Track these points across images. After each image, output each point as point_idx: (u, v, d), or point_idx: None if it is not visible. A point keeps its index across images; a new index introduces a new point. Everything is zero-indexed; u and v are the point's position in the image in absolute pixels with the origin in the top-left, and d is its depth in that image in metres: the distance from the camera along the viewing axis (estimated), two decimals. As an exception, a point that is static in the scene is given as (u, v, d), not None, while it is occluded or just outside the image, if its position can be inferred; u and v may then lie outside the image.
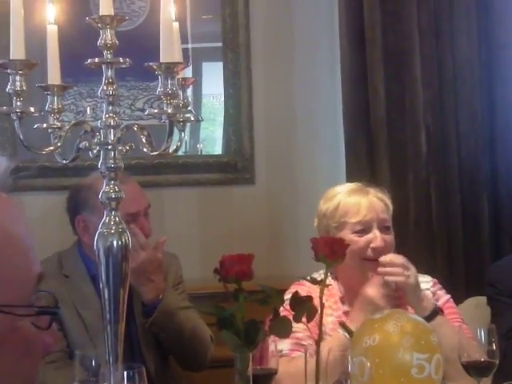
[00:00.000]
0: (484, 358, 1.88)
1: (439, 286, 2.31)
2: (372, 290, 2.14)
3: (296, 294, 1.72)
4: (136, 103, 3.09)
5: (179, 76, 1.67)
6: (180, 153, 3.17)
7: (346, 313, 2.20)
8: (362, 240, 2.21)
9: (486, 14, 3.15)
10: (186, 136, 3.19)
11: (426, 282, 2.29)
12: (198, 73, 3.27)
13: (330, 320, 2.19)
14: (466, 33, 3.12)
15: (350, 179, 3.04)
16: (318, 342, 1.73)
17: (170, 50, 1.52)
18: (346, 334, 2.04)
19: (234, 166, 3.18)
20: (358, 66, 3.07)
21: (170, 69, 1.53)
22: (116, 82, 1.66)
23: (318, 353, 1.72)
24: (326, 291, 2.19)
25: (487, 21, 3.15)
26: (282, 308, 1.73)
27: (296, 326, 2.07)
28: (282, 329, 1.68)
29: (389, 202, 2.28)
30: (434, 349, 1.79)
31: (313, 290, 2.20)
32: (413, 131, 3.09)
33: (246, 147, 3.19)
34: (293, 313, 1.71)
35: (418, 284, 2.16)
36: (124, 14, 3.02)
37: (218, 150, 3.26)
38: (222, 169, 3.17)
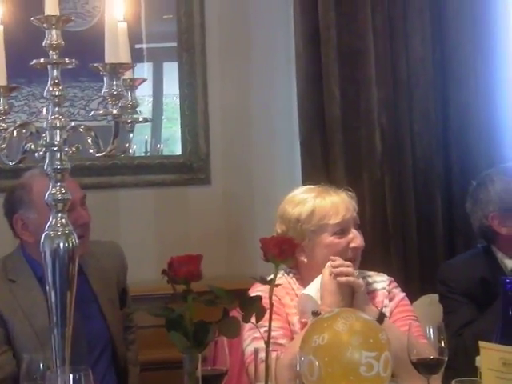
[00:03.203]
0: (433, 356, 1.90)
1: (395, 284, 2.35)
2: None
3: (245, 294, 1.72)
4: (90, 104, 3.07)
5: (126, 77, 1.66)
6: (140, 153, 3.17)
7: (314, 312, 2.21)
8: (343, 241, 2.24)
9: (439, 14, 3.19)
10: (147, 136, 3.19)
11: (383, 281, 2.33)
12: (158, 72, 3.26)
13: (295, 319, 2.21)
14: (420, 33, 3.16)
15: (305, 178, 3.07)
16: (267, 343, 1.72)
17: (114, 50, 1.52)
18: None
19: (190, 167, 3.17)
20: (313, 65, 3.09)
21: (115, 69, 1.52)
22: (61, 83, 1.64)
23: (267, 353, 1.72)
24: (290, 291, 2.22)
25: (441, 21, 3.19)
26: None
27: (272, 325, 2.10)
28: (231, 329, 1.68)
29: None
30: (382, 347, 1.81)
31: (278, 289, 2.20)
32: (367, 131, 3.12)
33: (201, 147, 3.19)
34: (242, 313, 1.71)
35: (364, 286, 2.19)
36: (77, 15, 3.04)
37: (180, 149, 3.24)
38: (177, 169, 3.17)
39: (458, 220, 3.16)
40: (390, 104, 3.14)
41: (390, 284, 2.33)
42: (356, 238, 2.25)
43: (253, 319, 1.70)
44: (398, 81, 3.16)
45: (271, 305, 1.73)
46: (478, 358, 1.76)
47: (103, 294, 2.41)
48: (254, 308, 1.70)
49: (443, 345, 1.90)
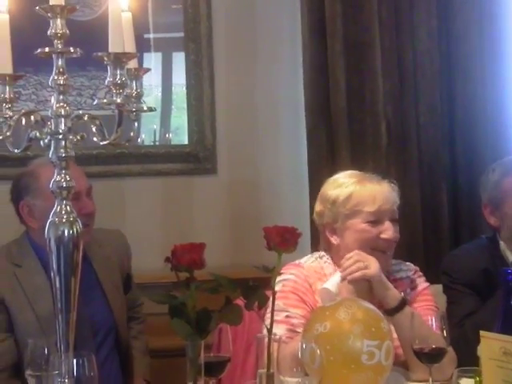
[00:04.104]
0: (435, 345, 1.91)
1: (420, 273, 2.38)
2: None
3: (247, 282, 1.74)
4: (98, 93, 3.09)
5: (131, 66, 1.67)
6: (149, 142, 3.19)
7: None
8: (375, 230, 2.23)
9: (445, 6, 3.18)
10: (156, 125, 3.20)
11: (408, 270, 2.35)
12: (168, 62, 3.27)
13: None
14: (426, 25, 3.16)
15: (311, 169, 3.09)
16: (269, 330, 1.74)
17: (118, 40, 1.53)
18: None
19: (196, 156, 3.19)
20: (319, 57, 3.09)
21: (119, 59, 1.53)
22: (69, 73, 1.65)
23: (269, 340, 1.73)
24: (322, 276, 2.24)
25: (447, 13, 3.19)
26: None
27: (294, 312, 2.13)
28: (233, 317, 1.69)
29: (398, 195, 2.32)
30: (384, 335, 1.82)
31: (311, 274, 2.25)
32: (373, 122, 3.12)
33: (208, 137, 3.20)
34: (244, 301, 1.73)
35: (381, 273, 2.18)
36: (85, 4, 3.06)
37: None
38: (183, 159, 3.18)
39: (463, 212, 3.16)
40: (396, 96, 3.14)
41: (414, 273, 2.35)
42: (388, 230, 2.23)
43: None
44: (403, 72, 3.16)
45: (273, 293, 1.75)
46: (479, 348, 1.77)
47: (107, 279, 2.44)
48: (256, 296, 1.72)
49: (445, 334, 1.91)
